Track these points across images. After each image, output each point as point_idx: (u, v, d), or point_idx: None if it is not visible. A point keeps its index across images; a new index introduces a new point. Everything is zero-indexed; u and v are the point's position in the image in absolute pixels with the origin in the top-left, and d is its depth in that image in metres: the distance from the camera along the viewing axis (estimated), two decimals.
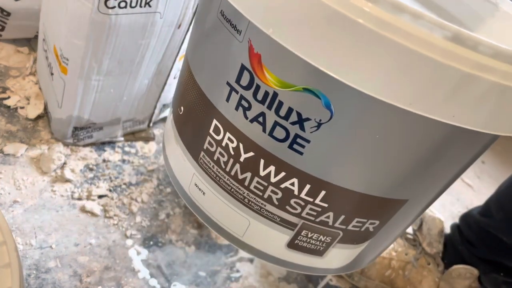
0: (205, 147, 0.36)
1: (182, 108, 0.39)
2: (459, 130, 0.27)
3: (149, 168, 0.69)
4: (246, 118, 0.32)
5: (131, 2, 0.49)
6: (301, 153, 0.31)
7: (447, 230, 0.75)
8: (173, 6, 0.53)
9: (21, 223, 0.54)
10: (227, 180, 0.36)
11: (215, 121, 0.34)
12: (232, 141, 0.34)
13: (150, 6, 0.51)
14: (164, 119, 0.78)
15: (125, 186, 0.64)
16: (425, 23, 0.22)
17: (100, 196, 0.62)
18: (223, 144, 0.34)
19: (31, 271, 0.50)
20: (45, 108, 0.67)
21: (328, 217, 0.34)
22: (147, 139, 0.73)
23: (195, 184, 0.39)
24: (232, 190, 0.36)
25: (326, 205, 0.33)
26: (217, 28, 0.32)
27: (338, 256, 0.39)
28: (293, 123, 0.30)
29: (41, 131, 0.66)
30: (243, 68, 0.30)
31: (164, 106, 0.73)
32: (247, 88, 0.31)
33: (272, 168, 0.33)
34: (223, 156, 0.35)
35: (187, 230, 0.64)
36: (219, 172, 0.36)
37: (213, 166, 0.36)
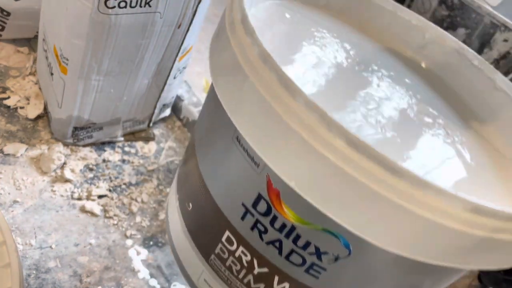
0: (216, 252, 0.35)
1: (190, 204, 0.37)
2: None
3: (149, 168, 0.69)
4: (262, 240, 0.31)
5: (131, 2, 0.49)
6: (317, 277, 0.30)
7: None
8: (173, 6, 0.53)
9: (21, 223, 0.54)
10: (239, 285, 0.35)
11: (228, 233, 0.33)
12: (245, 255, 0.33)
13: (150, 6, 0.51)
14: (164, 119, 0.78)
15: (125, 186, 0.64)
16: (447, 198, 0.23)
17: (100, 196, 0.61)
18: (236, 255, 0.33)
19: (31, 271, 0.50)
20: (45, 108, 0.67)
21: None
22: (147, 139, 0.73)
23: (205, 280, 0.38)
24: None
25: None
26: (232, 151, 0.31)
27: None
28: (310, 254, 0.29)
29: (41, 131, 0.66)
30: (260, 197, 0.29)
31: (164, 106, 0.73)
32: (264, 215, 0.30)
33: (286, 285, 0.32)
34: (236, 265, 0.34)
35: None
36: (230, 276, 0.35)
37: (224, 271, 0.35)
